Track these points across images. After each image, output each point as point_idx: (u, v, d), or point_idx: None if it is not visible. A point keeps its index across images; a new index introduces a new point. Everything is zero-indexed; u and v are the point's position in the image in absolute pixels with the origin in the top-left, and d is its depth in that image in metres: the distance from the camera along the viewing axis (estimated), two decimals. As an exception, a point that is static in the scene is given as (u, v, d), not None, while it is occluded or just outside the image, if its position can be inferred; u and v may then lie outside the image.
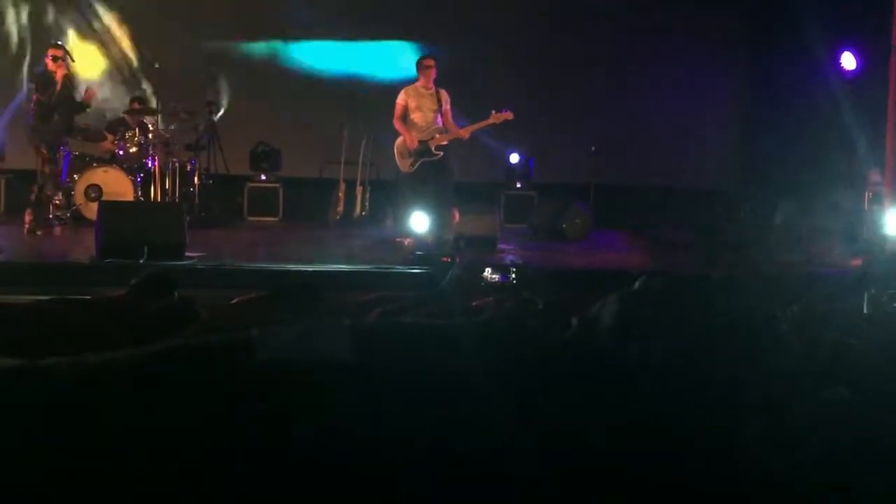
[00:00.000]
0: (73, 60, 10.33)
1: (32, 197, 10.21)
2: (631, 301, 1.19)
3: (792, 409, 1.11)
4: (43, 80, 10.16)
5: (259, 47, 13.63)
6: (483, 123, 10.31)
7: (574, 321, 1.19)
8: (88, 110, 10.74)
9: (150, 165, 11.38)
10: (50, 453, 1.11)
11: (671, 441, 1.11)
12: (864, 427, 1.16)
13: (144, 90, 12.73)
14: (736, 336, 1.17)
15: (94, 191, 11.11)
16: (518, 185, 13.28)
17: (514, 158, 13.25)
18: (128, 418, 1.13)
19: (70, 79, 10.25)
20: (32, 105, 10.23)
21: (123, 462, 1.10)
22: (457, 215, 9.99)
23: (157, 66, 11.15)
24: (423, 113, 10.10)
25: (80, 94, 10.51)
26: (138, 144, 11.47)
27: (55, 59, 10.07)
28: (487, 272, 6.80)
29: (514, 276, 7.07)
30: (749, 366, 1.15)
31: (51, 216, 10.60)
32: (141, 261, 8.01)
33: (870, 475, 1.13)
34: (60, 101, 10.11)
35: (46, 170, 10.21)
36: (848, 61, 11.78)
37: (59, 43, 10.55)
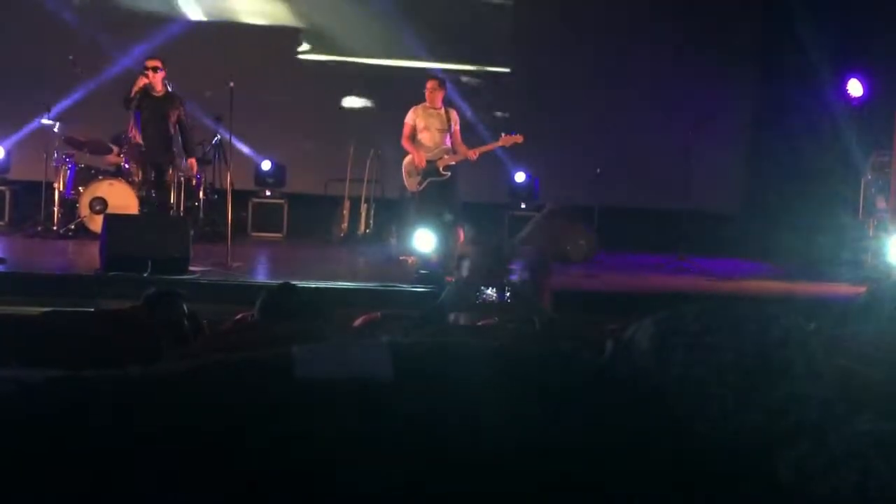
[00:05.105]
0: (153, 73, 10.14)
1: None
2: (667, 325, 1.18)
3: (828, 436, 1.11)
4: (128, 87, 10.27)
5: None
6: (492, 145, 10.36)
7: (609, 345, 1.18)
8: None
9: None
10: (93, 465, 1.11)
11: (712, 470, 1.10)
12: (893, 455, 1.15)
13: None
14: (769, 361, 1.17)
15: (99, 203, 11.12)
16: (522, 206, 13.27)
17: (520, 178, 13.25)
18: (172, 432, 1.13)
19: (148, 91, 10.14)
20: None
21: (166, 476, 1.10)
22: (461, 235, 9.99)
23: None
24: (431, 133, 10.14)
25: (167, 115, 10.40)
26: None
27: (144, 69, 10.17)
28: (484, 290, 6.77)
29: (509, 295, 7.04)
30: (784, 391, 1.15)
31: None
32: (145, 274, 8.01)
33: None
34: (128, 109, 10.20)
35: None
36: (854, 88, 11.80)
37: (153, 56, 10.50)
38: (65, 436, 1.14)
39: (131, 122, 10.38)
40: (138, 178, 10.58)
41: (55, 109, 11.62)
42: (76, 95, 12.13)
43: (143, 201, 10.48)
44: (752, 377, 1.14)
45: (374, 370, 1.15)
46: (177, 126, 10.45)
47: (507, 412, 1.10)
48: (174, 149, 10.66)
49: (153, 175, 10.38)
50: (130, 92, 10.15)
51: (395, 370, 1.16)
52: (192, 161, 10.85)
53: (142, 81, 10.05)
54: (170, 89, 10.33)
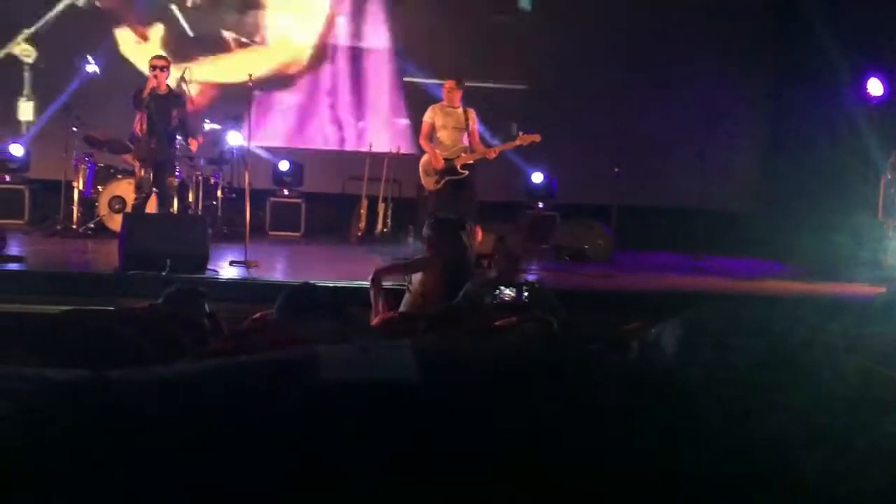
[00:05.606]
0: (161, 72, 10.17)
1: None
2: (692, 326, 1.18)
3: (854, 439, 1.10)
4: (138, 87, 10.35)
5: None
6: (510, 144, 10.33)
7: (634, 346, 1.18)
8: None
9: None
10: (119, 464, 1.11)
11: (736, 471, 1.10)
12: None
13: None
14: (794, 362, 1.16)
15: (118, 202, 11.17)
16: (540, 205, 13.27)
17: (538, 178, 13.25)
18: (196, 431, 1.13)
19: (154, 90, 10.16)
20: None
21: (190, 474, 1.10)
22: (479, 234, 9.96)
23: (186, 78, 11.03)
24: (449, 132, 10.12)
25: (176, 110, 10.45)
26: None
27: (151, 68, 10.22)
28: (501, 290, 6.76)
29: (526, 294, 7.04)
30: (810, 394, 1.14)
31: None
32: (164, 273, 8.04)
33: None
34: (139, 108, 10.24)
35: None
36: (874, 87, 11.72)
37: (159, 54, 10.61)
38: (86, 435, 1.14)
39: (137, 119, 10.40)
40: (140, 173, 10.46)
41: (73, 108, 11.66)
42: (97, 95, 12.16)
43: (139, 189, 10.28)
44: (777, 378, 1.13)
45: (397, 372, 1.15)
46: (178, 121, 10.47)
47: (530, 413, 1.09)
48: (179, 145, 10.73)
49: (156, 171, 10.28)
50: (142, 91, 10.21)
51: (420, 374, 1.16)
52: (193, 141, 10.70)
53: (152, 81, 10.13)
54: (172, 88, 10.41)
